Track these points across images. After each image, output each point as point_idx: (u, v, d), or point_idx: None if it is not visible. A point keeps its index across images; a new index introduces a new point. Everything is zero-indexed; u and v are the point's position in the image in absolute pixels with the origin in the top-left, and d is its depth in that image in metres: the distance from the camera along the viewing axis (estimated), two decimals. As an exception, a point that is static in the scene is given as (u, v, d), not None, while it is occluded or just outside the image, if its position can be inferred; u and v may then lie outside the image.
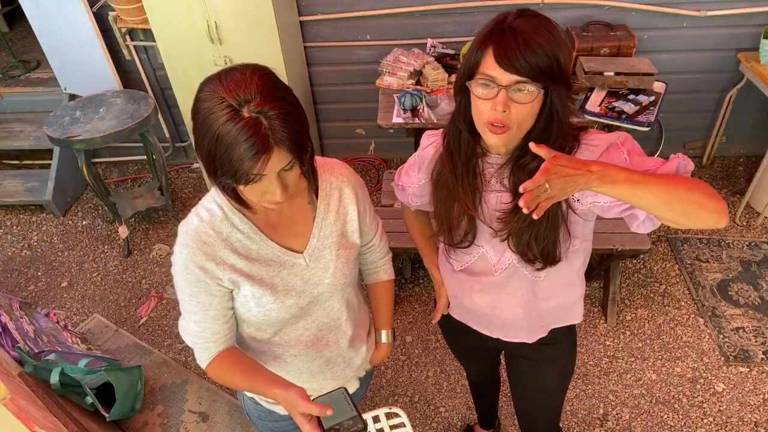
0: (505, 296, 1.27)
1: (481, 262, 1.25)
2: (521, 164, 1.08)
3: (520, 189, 0.87)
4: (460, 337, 1.52)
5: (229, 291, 1.10)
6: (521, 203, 0.87)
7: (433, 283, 1.48)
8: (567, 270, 1.24)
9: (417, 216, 1.47)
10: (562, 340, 1.41)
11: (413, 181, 1.32)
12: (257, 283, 1.08)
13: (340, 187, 1.17)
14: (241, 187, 0.95)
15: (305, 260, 1.13)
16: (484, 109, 1.01)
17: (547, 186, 0.86)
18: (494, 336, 1.41)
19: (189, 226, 1.06)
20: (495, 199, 1.15)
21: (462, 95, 1.08)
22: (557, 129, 1.04)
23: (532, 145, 0.92)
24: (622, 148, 1.03)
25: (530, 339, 1.36)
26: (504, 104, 0.97)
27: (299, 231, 1.13)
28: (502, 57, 0.95)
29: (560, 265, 1.18)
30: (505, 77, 0.96)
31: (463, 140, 1.14)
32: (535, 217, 0.88)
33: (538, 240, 1.11)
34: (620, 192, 0.89)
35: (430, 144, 1.26)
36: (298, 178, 0.99)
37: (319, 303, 1.18)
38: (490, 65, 0.97)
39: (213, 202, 1.08)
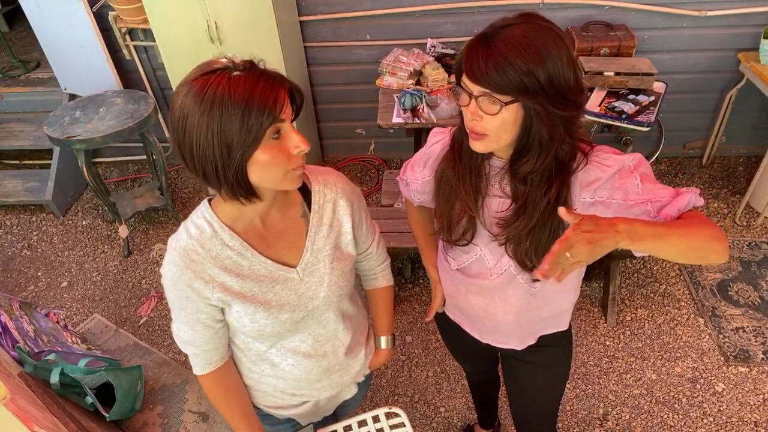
0: (499, 302, 1.28)
1: (478, 264, 1.25)
2: (513, 171, 1.08)
3: (541, 269, 0.83)
4: (457, 337, 1.52)
5: (219, 308, 1.09)
6: (538, 275, 0.84)
7: (430, 281, 1.48)
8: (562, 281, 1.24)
9: (419, 212, 1.48)
10: (558, 344, 1.41)
11: (417, 177, 1.33)
12: (249, 300, 1.07)
13: (334, 199, 1.15)
14: (264, 157, 0.91)
15: (299, 274, 1.11)
16: (466, 116, 1.04)
17: (569, 255, 0.82)
18: (484, 341, 1.41)
19: (178, 243, 1.04)
20: (497, 204, 1.15)
21: None
22: (538, 144, 1.01)
23: (561, 211, 0.87)
24: (635, 173, 1.01)
25: (519, 346, 1.37)
26: (474, 113, 1.00)
27: (292, 244, 1.11)
28: (468, 71, 0.97)
29: None
30: (475, 88, 0.97)
31: (465, 143, 1.14)
32: (558, 282, 0.85)
33: (537, 250, 1.10)
34: (645, 247, 0.88)
35: (437, 142, 1.26)
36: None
37: (315, 316, 1.16)
38: (465, 75, 0.99)
39: (202, 218, 1.05)
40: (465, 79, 0.99)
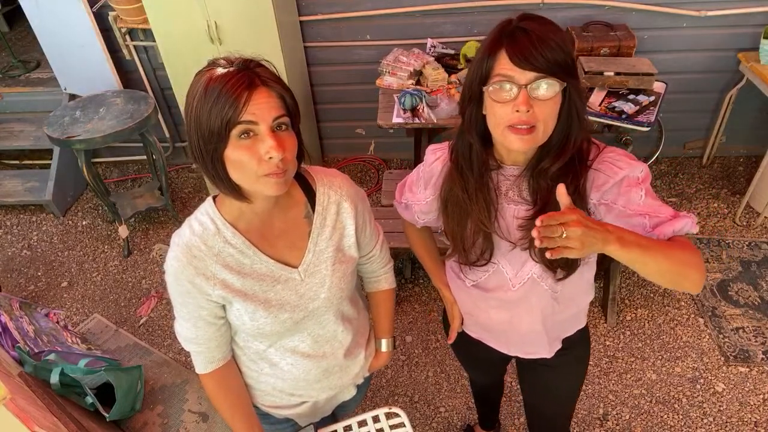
0: (524, 313, 1.24)
1: (496, 278, 1.21)
2: (541, 169, 1.06)
3: (536, 222, 0.83)
4: (473, 351, 1.47)
5: (220, 305, 1.09)
6: (534, 233, 0.83)
7: (444, 303, 1.43)
8: (580, 280, 1.23)
9: (420, 233, 1.43)
10: (579, 342, 1.39)
11: (419, 198, 1.27)
12: (249, 298, 1.07)
13: (338, 201, 1.14)
14: (234, 155, 0.92)
15: (300, 275, 1.11)
16: (504, 114, 0.98)
17: (564, 231, 0.82)
18: (512, 354, 1.38)
19: (181, 239, 1.05)
20: (512, 211, 1.12)
21: (471, 106, 1.05)
22: (577, 125, 1.03)
23: (559, 188, 0.88)
24: (641, 185, 1.01)
25: (549, 353, 1.33)
26: (527, 104, 0.95)
27: (294, 245, 1.11)
28: (518, 56, 0.94)
29: (575, 276, 1.17)
30: (524, 76, 0.95)
31: (474, 154, 1.10)
32: (547, 255, 0.84)
33: None
34: (631, 256, 0.88)
35: (437, 159, 1.21)
36: (294, 149, 0.97)
37: (314, 317, 1.16)
38: (505, 67, 0.96)
39: (206, 215, 1.06)
40: (508, 71, 0.95)
